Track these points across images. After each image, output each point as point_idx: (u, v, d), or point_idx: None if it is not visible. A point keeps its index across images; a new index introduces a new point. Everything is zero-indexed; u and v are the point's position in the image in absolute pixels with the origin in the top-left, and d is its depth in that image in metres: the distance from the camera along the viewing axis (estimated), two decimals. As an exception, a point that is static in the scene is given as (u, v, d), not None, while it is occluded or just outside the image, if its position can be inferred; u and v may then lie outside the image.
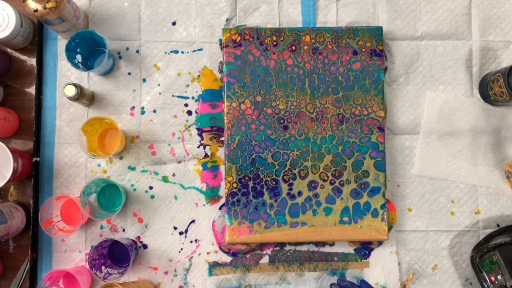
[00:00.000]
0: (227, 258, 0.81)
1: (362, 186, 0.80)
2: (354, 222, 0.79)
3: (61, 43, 0.83)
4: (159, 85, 0.83)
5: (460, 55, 0.85)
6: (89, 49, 0.82)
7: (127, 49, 0.84)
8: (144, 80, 0.83)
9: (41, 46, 0.83)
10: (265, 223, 0.79)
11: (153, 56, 0.84)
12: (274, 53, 0.81)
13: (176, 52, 0.84)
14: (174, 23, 0.84)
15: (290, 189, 0.80)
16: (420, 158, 0.84)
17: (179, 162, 0.83)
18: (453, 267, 0.82)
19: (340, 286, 0.77)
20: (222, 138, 0.83)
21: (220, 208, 0.82)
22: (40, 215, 0.76)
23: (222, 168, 0.82)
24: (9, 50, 0.84)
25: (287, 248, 0.82)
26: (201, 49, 0.84)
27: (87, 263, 0.79)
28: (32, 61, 0.84)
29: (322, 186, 0.80)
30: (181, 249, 0.81)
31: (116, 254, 0.81)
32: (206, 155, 0.83)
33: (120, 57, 0.83)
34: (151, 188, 0.82)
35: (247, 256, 0.81)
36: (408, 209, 0.83)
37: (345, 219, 0.79)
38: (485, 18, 0.85)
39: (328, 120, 0.81)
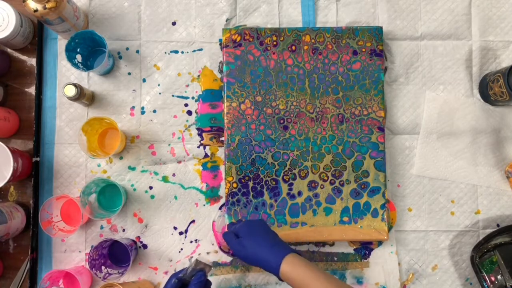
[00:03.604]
0: (227, 258, 0.81)
1: (362, 186, 0.80)
2: (354, 222, 0.79)
3: (61, 43, 0.83)
4: (159, 85, 0.83)
5: (460, 55, 0.85)
6: (89, 49, 0.82)
7: (127, 49, 0.84)
8: (144, 80, 0.83)
9: (41, 46, 0.83)
10: (265, 223, 0.79)
11: (153, 56, 0.84)
12: (274, 53, 0.81)
13: (176, 52, 0.84)
14: (174, 23, 0.84)
15: (290, 189, 0.80)
16: (420, 158, 0.84)
17: (179, 162, 0.83)
18: (453, 267, 0.82)
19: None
20: (222, 138, 0.83)
21: (220, 208, 0.82)
22: (40, 215, 0.76)
23: (222, 168, 0.82)
24: (9, 50, 0.84)
25: (287, 248, 0.82)
26: (201, 49, 0.84)
27: (87, 263, 0.79)
28: (32, 61, 0.84)
29: (322, 186, 0.80)
30: (181, 249, 0.81)
31: (116, 254, 0.81)
32: (206, 155, 0.83)
33: (120, 57, 0.83)
34: (151, 188, 0.82)
35: (247, 256, 0.81)
36: (408, 209, 0.83)
37: (345, 219, 0.79)
38: (485, 18, 0.85)
39: (328, 120, 0.81)
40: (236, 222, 0.78)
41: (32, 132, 0.81)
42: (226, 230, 0.79)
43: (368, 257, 0.82)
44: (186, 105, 0.83)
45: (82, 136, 0.76)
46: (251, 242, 0.68)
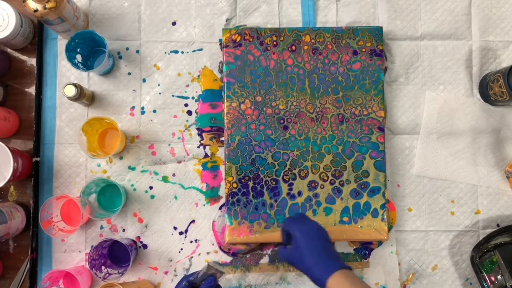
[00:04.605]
0: (227, 258, 0.81)
1: (362, 186, 0.80)
2: (354, 222, 0.79)
3: (61, 43, 0.83)
4: (159, 85, 0.83)
5: (460, 55, 0.85)
6: (89, 49, 0.82)
7: (127, 49, 0.84)
8: (144, 80, 0.83)
9: (41, 46, 0.83)
10: (265, 223, 0.79)
11: (153, 56, 0.84)
12: (274, 53, 0.81)
13: (176, 52, 0.84)
14: (174, 23, 0.84)
15: (290, 189, 0.80)
16: (420, 158, 0.84)
17: (179, 162, 0.83)
18: (453, 267, 0.82)
19: None
20: (222, 138, 0.83)
21: (220, 208, 0.82)
22: (40, 215, 0.76)
23: (222, 168, 0.82)
24: (9, 50, 0.84)
25: (287, 248, 0.82)
26: (201, 49, 0.84)
27: (87, 263, 0.79)
28: (32, 61, 0.84)
29: (322, 186, 0.80)
30: (181, 249, 0.81)
31: (116, 254, 0.81)
32: (206, 155, 0.83)
33: (120, 57, 0.83)
34: (151, 188, 0.82)
35: (247, 256, 0.81)
36: (408, 209, 0.83)
37: (345, 219, 0.79)
38: (485, 18, 0.85)
39: (328, 120, 0.81)
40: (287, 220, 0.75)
41: (32, 132, 0.81)
42: (226, 230, 0.79)
43: (368, 257, 0.82)
44: (186, 105, 0.83)
45: (82, 136, 0.76)
46: (298, 252, 0.67)
